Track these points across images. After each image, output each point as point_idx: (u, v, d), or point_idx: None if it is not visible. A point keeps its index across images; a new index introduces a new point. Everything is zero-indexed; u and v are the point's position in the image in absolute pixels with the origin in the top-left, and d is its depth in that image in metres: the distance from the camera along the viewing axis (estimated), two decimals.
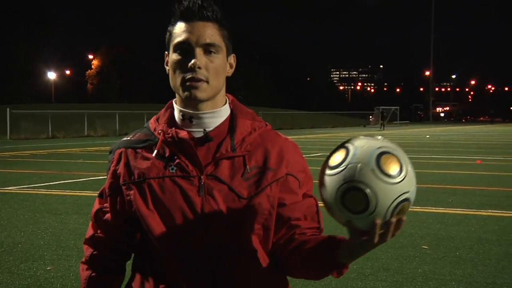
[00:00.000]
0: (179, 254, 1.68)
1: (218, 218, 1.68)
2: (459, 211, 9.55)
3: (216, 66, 1.70)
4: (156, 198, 1.69)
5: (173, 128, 1.73)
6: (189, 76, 1.67)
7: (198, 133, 1.74)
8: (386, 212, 1.48)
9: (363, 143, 1.54)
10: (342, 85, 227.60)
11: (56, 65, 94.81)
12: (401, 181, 1.51)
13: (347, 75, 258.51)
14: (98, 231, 1.85)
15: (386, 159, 1.50)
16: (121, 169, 1.76)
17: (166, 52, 1.76)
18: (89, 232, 1.89)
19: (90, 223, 1.91)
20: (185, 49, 1.68)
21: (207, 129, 1.74)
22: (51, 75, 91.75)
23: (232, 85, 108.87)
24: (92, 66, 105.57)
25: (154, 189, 1.69)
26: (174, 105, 1.80)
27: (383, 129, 60.35)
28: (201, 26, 1.68)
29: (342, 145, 1.57)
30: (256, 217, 1.71)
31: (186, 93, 1.69)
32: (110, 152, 1.84)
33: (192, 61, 1.66)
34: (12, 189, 12.34)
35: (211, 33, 1.69)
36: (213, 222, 1.67)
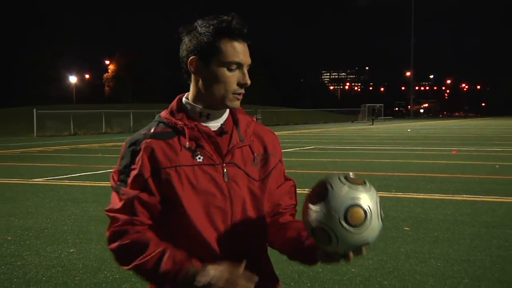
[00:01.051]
0: (212, 227, 1.75)
1: (240, 198, 1.78)
2: (436, 196, 9.56)
3: None
4: (190, 183, 1.73)
5: (195, 123, 1.77)
6: (239, 91, 1.76)
7: (212, 126, 1.81)
8: (345, 250, 1.64)
9: (340, 190, 1.62)
10: (332, 85, 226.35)
11: (76, 70, 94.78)
12: (364, 232, 1.61)
13: (337, 76, 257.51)
14: (136, 214, 1.74)
15: (353, 212, 1.59)
16: (155, 157, 1.73)
17: (194, 57, 1.74)
18: (123, 218, 1.73)
19: (117, 213, 1.74)
20: (237, 67, 1.74)
21: (221, 123, 1.82)
22: (73, 79, 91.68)
23: None
24: (109, 70, 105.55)
25: (188, 175, 1.73)
26: (189, 102, 1.81)
27: (373, 123, 60.68)
28: (246, 47, 1.76)
29: (324, 184, 1.66)
30: (267, 195, 1.84)
31: (229, 103, 1.77)
32: (133, 144, 1.77)
33: (247, 81, 1.76)
34: (38, 180, 12.37)
35: (249, 53, 1.77)
36: (237, 202, 1.77)
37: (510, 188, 10.43)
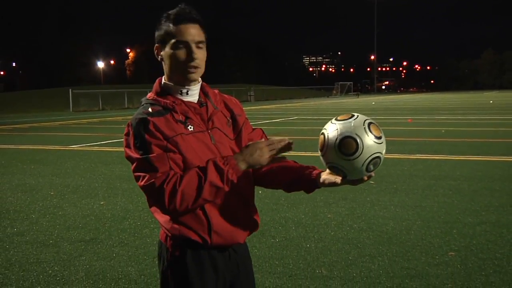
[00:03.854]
0: None
1: (225, 153, 1.75)
2: (396, 156, 9.58)
3: (204, 56, 1.74)
4: (189, 147, 1.69)
5: (181, 99, 1.75)
6: (189, 64, 1.70)
7: (193, 100, 1.77)
8: (365, 160, 1.63)
9: (332, 130, 1.68)
10: (312, 67, 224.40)
11: (103, 56, 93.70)
12: (381, 143, 1.66)
13: (315, 60, 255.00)
14: (172, 168, 1.65)
15: (374, 127, 1.63)
16: (162, 130, 1.66)
17: (157, 45, 1.75)
18: (167, 174, 1.62)
19: (159, 176, 1.62)
20: (184, 45, 1.69)
21: (198, 97, 1.78)
22: (100, 64, 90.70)
23: (232, 68, 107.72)
24: (129, 57, 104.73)
25: (187, 141, 1.69)
26: (168, 83, 1.77)
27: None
28: (192, 28, 1.70)
29: (323, 134, 1.71)
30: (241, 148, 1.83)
31: (187, 76, 1.72)
32: (140, 124, 1.67)
33: (193, 55, 1.69)
34: (74, 147, 12.30)
35: (198, 32, 1.71)
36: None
37: (453, 148, 10.47)
